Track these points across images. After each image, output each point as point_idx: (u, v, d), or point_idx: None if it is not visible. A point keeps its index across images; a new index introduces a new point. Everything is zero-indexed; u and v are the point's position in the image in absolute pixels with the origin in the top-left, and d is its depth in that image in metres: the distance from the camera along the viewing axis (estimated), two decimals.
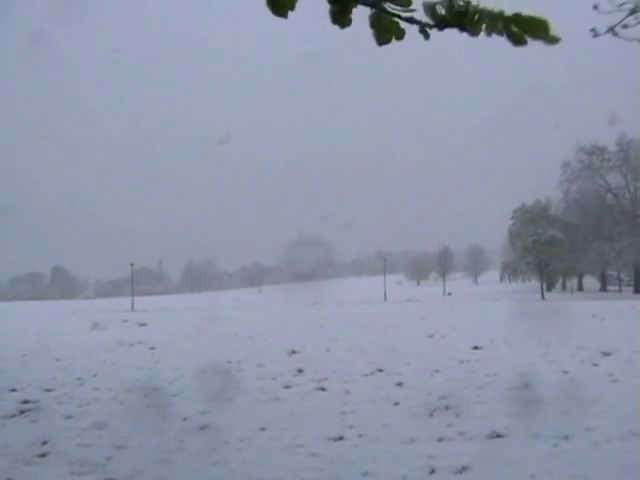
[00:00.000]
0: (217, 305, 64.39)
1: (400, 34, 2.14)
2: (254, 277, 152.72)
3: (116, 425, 8.88)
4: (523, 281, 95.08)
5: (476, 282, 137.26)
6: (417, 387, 11.46)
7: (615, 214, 78.68)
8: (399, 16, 2.10)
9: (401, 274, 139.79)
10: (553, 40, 2.03)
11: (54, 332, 26.79)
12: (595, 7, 6.53)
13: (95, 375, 13.87)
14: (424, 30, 2.09)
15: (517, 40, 2.04)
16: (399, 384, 11.95)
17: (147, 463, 7.08)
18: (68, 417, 9.66)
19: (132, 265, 70.69)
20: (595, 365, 13.81)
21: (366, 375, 13.24)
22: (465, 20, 2.04)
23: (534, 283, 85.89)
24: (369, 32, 2.19)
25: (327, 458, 7.10)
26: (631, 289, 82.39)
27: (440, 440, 7.77)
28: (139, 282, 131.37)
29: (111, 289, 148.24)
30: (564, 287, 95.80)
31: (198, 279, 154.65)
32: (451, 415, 9.10)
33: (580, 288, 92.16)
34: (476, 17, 2.03)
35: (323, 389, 11.73)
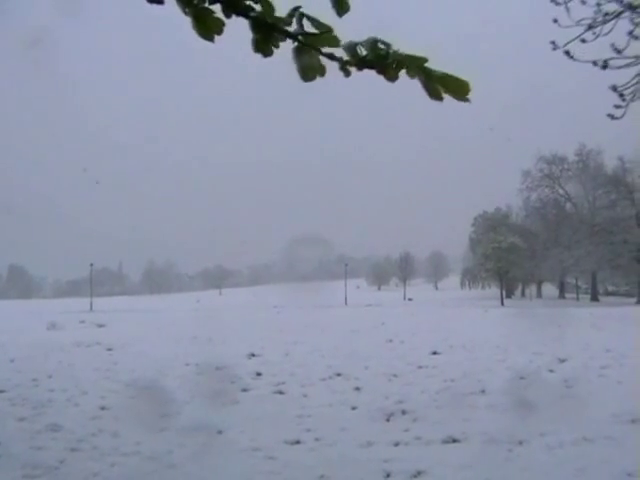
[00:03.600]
0: (176, 307, 64.05)
1: (322, 71, 2.16)
2: (215, 279, 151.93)
3: (70, 428, 8.77)
4: (483, 287, 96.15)
5: (437, 288, 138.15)
6: (375, 392, 11.50)
7: (574, 223, 79.80)
8: (320, 52, 2.12)
9: (362, 279, 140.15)
10: (466, 100, 2.12)
11: (9, 331, 26.37)
12: (555, 21, 6.65)
13: (50, 376, 13.65)
14: (345, 68, 2.12)
15: (434, 95, 2.11)
16: (357, 388, 11.99)
17: (101, 466, 6.99)
18: (21, 419, 9.50)
19: (91, 265, 69.89)
20: (551, 371, 14.00)
21: (324, 379, 13.24)
22: (384, 64, 2.09)
23: (494, 290, 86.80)
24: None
25: (283, 462, 7.09)
26: (588, 297, 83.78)
27: (396, 444, 7.81)
28: (99, 283, 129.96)
29: (70, 289, 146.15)
30: (523, 294, 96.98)
31: (158, 280, 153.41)
32: (408, 420, 9.16)
33: (539, 295, 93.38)
34: (395, 64, 2.07)
35: (281, 392, 11.71)
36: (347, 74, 2.15)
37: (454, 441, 7.94)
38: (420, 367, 14.90)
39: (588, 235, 74.92)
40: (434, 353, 17.40)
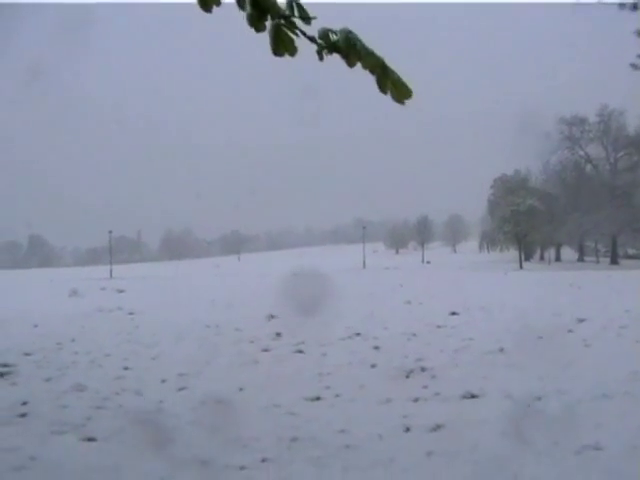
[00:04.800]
0: (195, 273, 64.47)
1: (293, 50, 2.50)
2: (233, 245, 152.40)
3: (95, 387, 8.92)
4: (501, 251, 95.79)
5: (455, 251, 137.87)
6: (394, 351, 11.59)
7: (594, 185, 79.04)
8: (304, 34, 2.48)
9: (380, 243, 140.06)
10: (402, 103, 2.61)
11: (32, 300, 26.69)
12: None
13: (73, 340, 13.86)
14: (320, 52, 2.48)
15: (382, 88, 2.52)
16: (376, 347, 12.08)
17: (126, 423, 7.12)
18: (47, 380, 9.67)
19: (110, 233, 70.27)
20: (570, 331, 13.99)
21: (344, 339, 13.36)
22: (351, 52, 2.44)
23: (512, 253, 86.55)
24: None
25: (304, 417, 7.19)
26: (608, 260, 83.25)
27: (416, 400, 7.89)
28: (117, 251, 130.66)
29: (89, 258, 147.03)
30: (542, 257, 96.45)
31: (177, 247, 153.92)
32: (427, 377, 9.23)
33: (558, 258, 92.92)
34: (362, 53, 2.44)
35: (301, 352, 11.82)
36: (321, 58, 2.49)
37: (473, 397, 8.01)
38: (439, 327, 14.98)
39: (609, 198, 74.16)
40: (453, 314, 17.43)
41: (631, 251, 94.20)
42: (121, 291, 33.38)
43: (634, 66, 7.18)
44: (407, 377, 9.31)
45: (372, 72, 2.51)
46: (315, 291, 28.55)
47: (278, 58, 2.52)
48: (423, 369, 9.64)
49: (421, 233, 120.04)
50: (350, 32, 2.46)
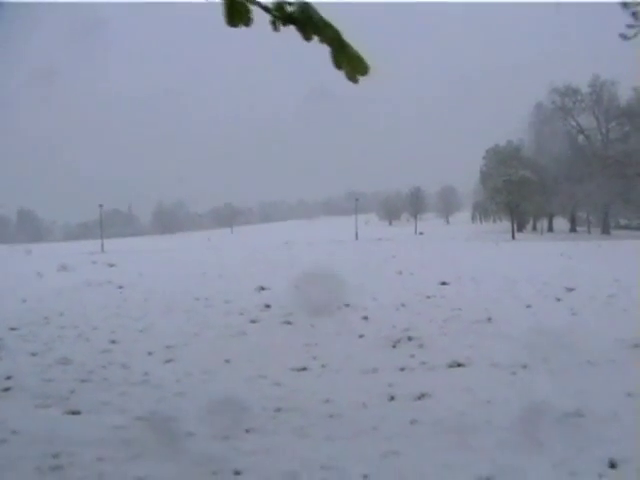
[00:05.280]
0: (187, 246, 64.34)
1: (248, 21, 2.46)
2: (225, 218, 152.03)
3: (81, 361, 8.88)
4: (494, 221, 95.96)
5: (448, 222, 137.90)
6: (382, 321, 11.58)
7: (586, 156, 78.88)
8: (259, 4, 2.46)
9: (373, 214, 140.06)
10: (355, 81, 2.62)
11: (20, 274, 26.55)
12: None
13: (62, 314, 13.76)
14: (275, 22, 2.46)
15: (337, 64, 2.47)
16: (365, 318, 12.07)
17: (111, 395, 7.11)
18: (33, 354, 9.60)
19: (101, 206, 69.99)
20: (558, 300, 14.03)
21: (333, 309, 13.32)
22: (307, 24, 2.39)
23: (505, 224, 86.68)
24: None
25: (289, 388, 7.18)
26: (599, 230, 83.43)
27: (402, 369, 7.89)
28: (109, 224, 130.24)
29: (80, 232, 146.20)
30: (534, 228, 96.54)
31: (169, 221, 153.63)
32: (414, 346, 9.23)
33: (550, 229, 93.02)
34: (319, 25, 2.39)
35: (289, 323, 11.81)
36: (275, 28, 2.45)
37: (459, 365, 8.02)
38: (428, 297, 14.96)
39: (600, 168, 74.00)
40: (443, 284, 17.44)
41: (623, 221, 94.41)
42: (112, 265, 33.20)
43: (623, 36, 7.09)
44: (394, 347, 9.30)
45: (330, 45, 2.43)
46: (306, 262, 28.68)
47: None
48: (410, 338, 9.63)
49: (414, 204, 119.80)
50: (306, 4, 2.40)
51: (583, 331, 10.08)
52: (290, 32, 2.46)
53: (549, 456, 4.90)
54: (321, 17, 2.35)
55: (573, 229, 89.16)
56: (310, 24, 2.35)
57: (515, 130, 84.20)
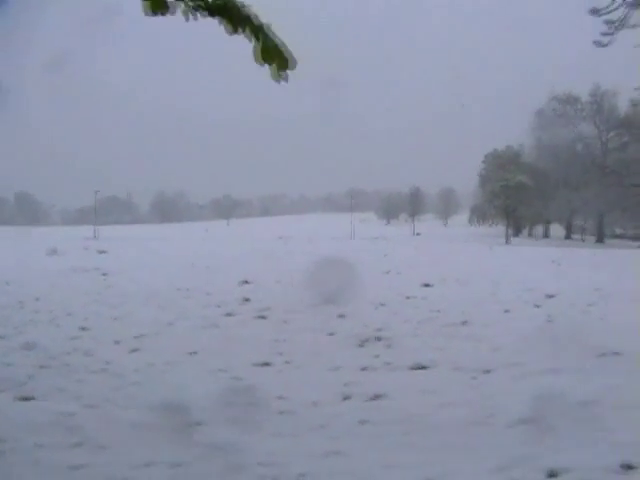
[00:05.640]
0: (183, 236, 64.34)
1: (165, 9, 2.35)
2: (225, 209, 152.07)
3: (45, 346, 8.84)
4: (491, 225, 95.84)
5: (446, 224, 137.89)
6: (357, 319, 11.52)
7: (585, 164, 79.03)
8: None
9: (371, 213, 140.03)
10: (279, 77, 2.50)
11: (10, 257, 26.52)
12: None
13: (38, 299, 13.75)
14: (187, 12, 2.35)
15: (257, 59, 2.36)
16: (341, 316, 11.99)
17: (68, 381, 7.07)
18: (0, 338, 9.59)
19: (96, 192, 69.92)
20: (537, 306, 13.96)
21: (311, 306, 13.28)
22: (225, 16, 2.28)
23: (502, 228, 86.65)
24: None
25: (247, 382, 7.14)
26: (594, 238, 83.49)
27: (364, 369, 7.84)
28: (107, 211, 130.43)
29: (78, 217, 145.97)
30: (530, 233, 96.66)
31: (168, 210, 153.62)
32: (381, 346, 9.19)
33: (546, 235, 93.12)
34: (240, 17, 2.27)
35: (263, 317, 11.77)
36: (187, 19, 2.31)
37: (422, 368, 7.95)
38: (408, 297, 14.89)
39: (598, 177, 74.10)
40: (426, 285, 17.40)
41: (618, 230, 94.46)
42: (102, 252, 33.22)
43: (597, 43, 7.03)
44: (361, 346, 9.26)
45: (254, 39, 2.33)
46: (296, 258, 28.66)
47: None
48: (379, 338, 9.60)
49: (412, 205, 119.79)
50: None
51: (554, 338, 10.03)
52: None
53: (488, 462, 4.85)
54: (242, 9, 2.24)
55: (569, 236, 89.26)
56: (228, 16, 2.24)
57: (516, 135, 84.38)
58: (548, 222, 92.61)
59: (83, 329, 10.33)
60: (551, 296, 15.50)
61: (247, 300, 14.00)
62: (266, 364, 8.08)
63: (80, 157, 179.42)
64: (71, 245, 37.98)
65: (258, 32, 2.31)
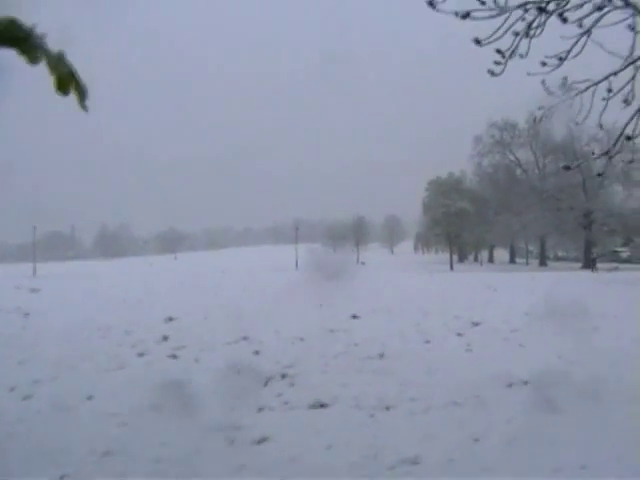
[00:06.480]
0: (124, 271, 63.38)
1: None
2: (170, 243, 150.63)
3: None
4: (436, 252, 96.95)
5: (392, 252, 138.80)
6: (271, 356, 11.25)
7: (523, 189, 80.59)
8: None
9: (318, 243, 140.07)
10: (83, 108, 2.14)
11: None
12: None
13: None
14: None
15: (56, 87, 2.10)
16: (256, 353, 11.75)
17: None
18: None
19: (34, 228, 68.65)
20: (459, 335, 13.92)
21: (229, 343, 13.00)
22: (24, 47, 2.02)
23: (447, 254, 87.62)
24: None
25: (133, 428, 6.85)
26: (538, 262, 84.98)
27: (260, 410, 7.60)
28: (51, 247, 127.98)
29: (19, 254, 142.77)
30: (476, 259, 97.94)
31: (112, 244, 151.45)
32: (285, 385, 8.96)
33: (491, 260, 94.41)
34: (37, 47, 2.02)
35: (174, 357, 11.43)
36: None
37: (321, 406, 7.75)
38: (332, 331, 14.65)
39: (537, 201, 75.63)
40: (354, 317, 17.23)
41: (561, 253, 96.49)
42: (35, 290, 32.30)
43: (491, 72, 7.01)
44: (265, 385, 9.02)
45: (52, 72, 2.12)
46: (232, 292, 28.36)
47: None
48: (284, 376, 9.38)
49: (356, 233, 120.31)
50: (14, 20, 1.98)
51: (466, 368, 9.98)
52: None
53: None
54: (36, 35, 2.03)
55: (512, 260, 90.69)
56: (23, 45, 2.02)
57: (460, 162, 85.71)
58: (492, 247, 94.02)
59: None
60: (477, 324, 15.51)
61: (166, 338, 13.63)
62: (161, 407, 7.76)
63: (23, 190, 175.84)
64: (3, 284, 36.99)
65: (54, 61, 2.06)
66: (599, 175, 48.00)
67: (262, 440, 6.34)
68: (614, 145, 6.97)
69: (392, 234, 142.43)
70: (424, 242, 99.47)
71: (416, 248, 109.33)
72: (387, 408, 7.58)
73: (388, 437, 6.39)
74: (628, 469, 5.44)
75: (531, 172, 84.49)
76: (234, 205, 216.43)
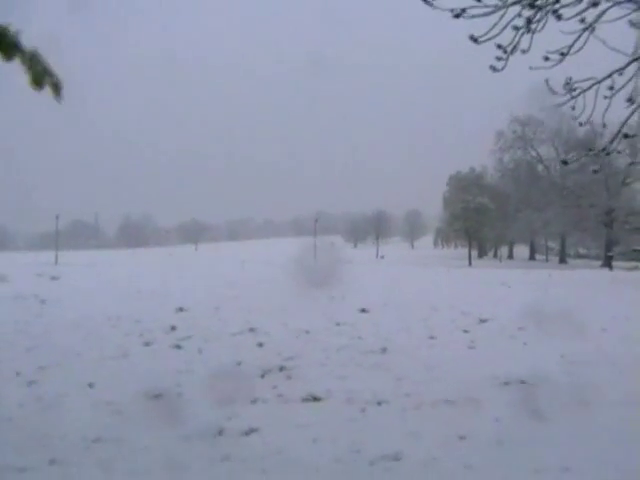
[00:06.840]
0: (144, 261, 63.81)
1: None
2: (192, 233, 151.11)
3: None
4: (456, 247, 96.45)
5: (412, 246, 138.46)
6: (274, 348, 11.38)
7: (545, 185, 80.00)
8: None
9: (339, 236, 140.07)
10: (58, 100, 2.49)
11: None
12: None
13: None
14: None
15: (32, 84, 2.39)
16: (260, 344, 11.86)
17: None
18: None
19: (57, 217, 69.08)
20: (466, 331, 13.93)
21: (234, 335, 13.12)
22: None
23: (466, 250, 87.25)
24: None
25: (126, 416, 6.99)
26: (558, 259, 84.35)
27: (253, 402, 7.70)
28: (74, 236, 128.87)
29: (43, 242, 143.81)
30: (495, 255, 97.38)
31: (134, 234, 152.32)
32: (282, 377, 9.06)
33: (510, 256, 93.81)
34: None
35: (179, 347, 11.56)
36: None
37: (314, 399, 7.84)
38: (338, 324, 14.75)
39: (558, 198, 75.05)
40: (362, 311, 17.29)
41: (582, 250, 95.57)
42: (55, 278, 32.70)
43: (493, 68, 7.03)
44: (262, 377, 9.11)
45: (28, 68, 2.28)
46: (247, 283, 28.51)
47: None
48: (282, 369, 9.48)
49: (377, 227, 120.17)
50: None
51: (466, 366, 10.04)
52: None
53: None
54: (11, 33, 2.27)
55: (532, 257, 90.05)
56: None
57: (480, 157, 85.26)
58: (512, 243, 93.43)
59: None
60: (484, 320, 15.53)
61: (174, 328, 13.78)
62: (158, 396, 7.89)
63: (47, 180, 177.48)
64: (25, 271, 37.40)
65: (28, 58, 2.24)
66: (595, 172, 47.68)
67: (250, 431, 6.46)
68: (611, 142, 6.99)
69: (413, 228, 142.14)
70: (444, 237, 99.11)
71: (436, 243, 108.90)
72: (379, 403, 7.65)
73: (374, 433, 6.48)
74: (611, 472, 5.50)
75: (553, 169, 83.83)
76: (256, 196, 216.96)
